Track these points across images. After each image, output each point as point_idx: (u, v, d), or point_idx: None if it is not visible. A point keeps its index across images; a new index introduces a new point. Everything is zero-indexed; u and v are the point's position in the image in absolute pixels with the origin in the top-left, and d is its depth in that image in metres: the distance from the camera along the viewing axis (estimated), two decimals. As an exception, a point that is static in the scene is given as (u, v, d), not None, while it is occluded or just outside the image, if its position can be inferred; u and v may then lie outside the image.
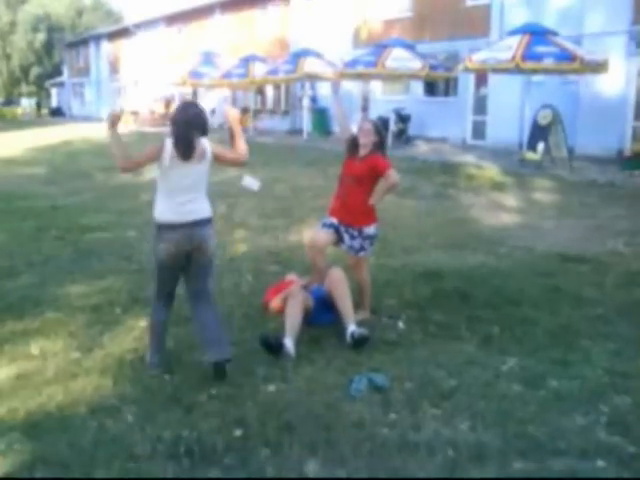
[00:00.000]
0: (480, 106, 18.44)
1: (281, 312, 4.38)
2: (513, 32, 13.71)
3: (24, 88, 56.58)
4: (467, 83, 18.59)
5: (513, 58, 12.63)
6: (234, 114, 3.99)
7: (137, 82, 37.89)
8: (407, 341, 4.29)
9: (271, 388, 3.54)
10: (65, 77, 49.89)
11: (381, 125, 4.80)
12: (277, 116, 26.86)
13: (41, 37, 53.24)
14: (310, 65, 19.29)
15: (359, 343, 4.08)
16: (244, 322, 4.56)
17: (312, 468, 2.80)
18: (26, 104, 52.40)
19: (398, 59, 16.21)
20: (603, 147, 14.55)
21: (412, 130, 19.28)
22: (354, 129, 4.70)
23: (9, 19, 53.43)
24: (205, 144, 3.65)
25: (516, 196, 10.50)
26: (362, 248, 4.58)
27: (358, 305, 4.58)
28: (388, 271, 5.84)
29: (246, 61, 22.15)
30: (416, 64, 16.21)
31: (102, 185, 11.60)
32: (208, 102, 27.80)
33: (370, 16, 21.80)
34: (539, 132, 13.33)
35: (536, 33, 13.16)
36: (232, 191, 9.18)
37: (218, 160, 3.75)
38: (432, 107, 19.92)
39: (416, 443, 2.97)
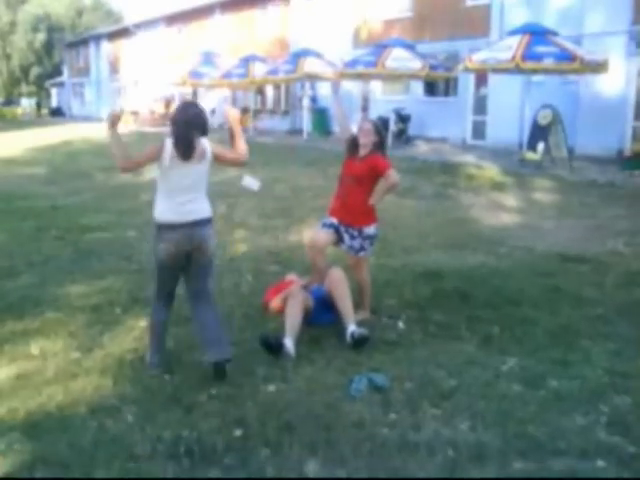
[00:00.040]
0: (480, 106, 18.44)
1: (281, 312, 4.38)
2: (513, 32, 13.71)
3: (24, 88, 56.59)
4: (467, 83, 18.59)
5: (513, 58, 12.63)
6: (234, 114, 3.99)
7: (137, 82, 37.90)
8: (407, 341, 4.29)
9: (271, 388, 3.54)
10: (65, 77, 49.90)
11: (381, 125, 4.80)
12: (277, 116, 26.86)
13: (41, 37, 53.26)
14: (310, 65, 19.29)
15: (359, 343, 4.08)
16: (244, 322, 4.56)
17: (312, 468, 2.80)
18: (26, 104, 52.41)
19: (398, 59, 16.21)
20: (603, 147, 14.55)
21: (412, 130, 19.28)
22: (354, 129, 4.71)
23: (9, 19, 53.44)
24: (205, 144, 3.65)
25: (516, 196, 10.50)
26: (362, 248, 4.58)
27: (358, 305, 4.58)
28: (388, 271, 5.84)
29: (246, 61, 22.15)
30: (416, 64, 16.21)
31: (102, 185, 11.60)
32: (208, 102, 27.79)
33: (370, 16, 21.81)
34: (539, 132, 13.33)
35: (536, 33, 13.16)
36: (232, 191, 9.18)
37: (218, 160, 3.75)
38: (432, 107, 19.92)
39: (416, 443, 2.97)
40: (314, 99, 23.69)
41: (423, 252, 6.76)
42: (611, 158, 13.97)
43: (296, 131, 23.79)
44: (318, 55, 20.01)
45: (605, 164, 13.41)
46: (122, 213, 8.72)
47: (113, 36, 41.58)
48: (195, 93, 28.68)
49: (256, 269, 5.96)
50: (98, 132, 21.51)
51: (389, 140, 13.64)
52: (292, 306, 4.23)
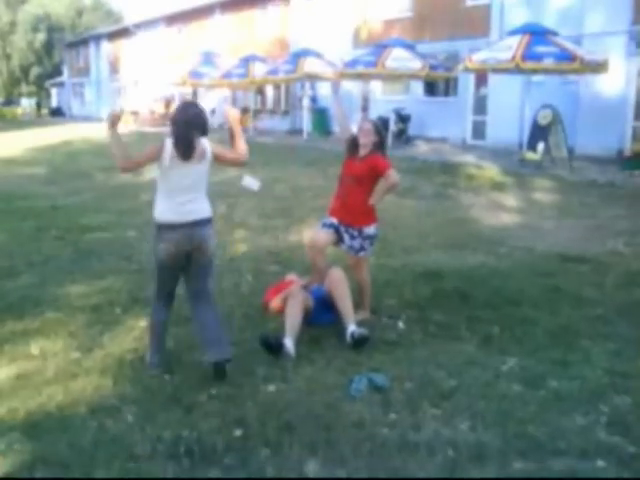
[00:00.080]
0: (480, 106, 18.45)
1: (281, 312, 4.38)
2: (513, 32, 13.71)
3: (24, 88, 56.59)
4: (467, 83, 18.60)
5: (513, 58, 12.63)
6: (234, 114, 3.99)
7: (137, 82, 37.90)
8: (407, 341, 4.29)
9: (271, 388, 3.54)
10: (65, 77, 49.90)
11: (381, 125, 4.80)
12: (277, 116, 26.86)
13: (41, 37, 53.25)
14: (310, 65, 19.29)
15: (359, 343, 4.08)
16: (244, 322, 4.56)
17: (312, 468, 2.81)
18: (26, 104, 52.40)
19: (398, 59, 16.21)
20: (603, 147, 14.55)
21: (412, 130, 19.28)
22: (354, 129, 4.71)
23: (9, 19, 53.44)
24: (205, 144, 3.65)
25: (516, 196, 10.50)
26: (362, 248, 4.58)
27: (358, 305, 4.58)
28: (388, 271, 5.84)
29: (246, 61, 22.15)
30: (416, 64, 16.21)
31: (102, 185, 11.60)
32: (208, 102, 27.80)
33: (370, 16, 21.81)
34: (539, 132, 13.33)
35: (536, 33, 13.16)
36: (232, 191, 9.18)
37: (218, 160, 3.75)
38: (432, 107, 19.93)
39: (416, 443, 2.97)
40: (314, 99, 23.69)
41: (423, 252, 6.76)
42: (611, 158, 13.97)
43: (296, 131, 23.79)
44: (318, 55, 20.01)
45: (605, 164, 13.41)
46: (122, 213, 8.72)
47: (113, 36, 41.59)
48: (195, 93, 28.68)
49: (256, 269, 5.96)
50: (98, 132, 21.50)
51: (389, 140, 13.64)
52: (292, 306, 4.23)
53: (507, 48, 13.03)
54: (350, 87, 20.68)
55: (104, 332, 4.35)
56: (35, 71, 54.85)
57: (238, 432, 3.07)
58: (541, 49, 12.62)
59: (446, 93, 20.18)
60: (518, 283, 5.57)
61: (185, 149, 3.54)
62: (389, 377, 3.64)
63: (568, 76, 14.89)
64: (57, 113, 48.15)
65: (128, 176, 9.48)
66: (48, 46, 53.62)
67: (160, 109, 31.46)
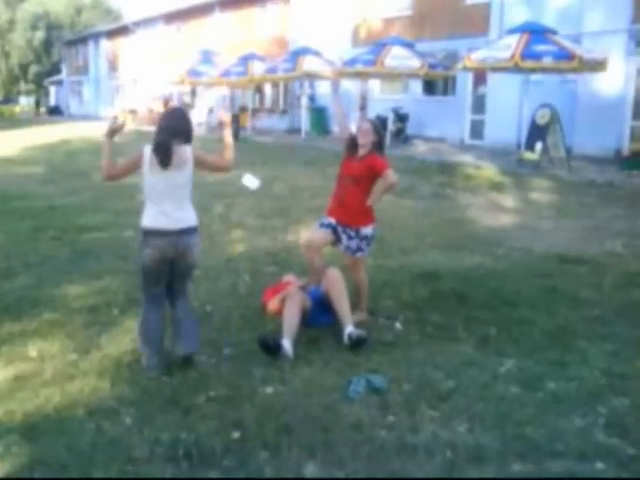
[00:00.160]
0: (478, 105, 18.44)
1: (279, 313, 4.37)
2: (512, 31, 13.70)
3: (23, 86, 56.48)
4: (465, 82, 18.59)
5: (512, 57, 12.62)
6: (226, 120, 3.95)
7: (136, 80, 37.84)
8: (405, 342, 4.29)
9: (269, 390, 3.53)
10: (64, 75, 49.81)
11: (380, 125, 4.79)
12: (275, 115, 26.84)
13: (40, 35, 53.11)
14: (309, 64, 19.27)
15: (357, 344, 4.08)
16: (241, 323, 4.55)
17: (310, 470, 2.81)
18: (25, 102, 52.29)
19: (397, 57, 16.19)
20: (601, 147, 14.55)
21: (410, 129, 19.27)
22: (353, 128, 4.70)
23: (8, 17, 53.28)
24: (187, 152, 3.66)
25: (514, 196, 10.50)
26: (359, 249, 4.58)
27: (355, 306, 4.57)
28: (386, 272, 5.84)
29: (245, 59, 22.13)
30: (415, 63, 16.19)
31: (100, 185, 11.47)
32: (206, 101, 27.79)
33: (370, 14, 21.79)
34: (537, 132, 13.33)
35: (535, 32, 13.15)
36: (230, 191, 9.18)
37: (198, 167, 3.76)
38: (430, 106, 19.91)
39: (414, 445, 2.97)
40: (312, 98, 23.67)
41: (420, 253, 6.76)
42: (609, 158, 13.97)
43: (294, 130, 23.77)
44: (317, 54, 20.00)
45: (603, 164, 13.41)
46: (119, 213, 8.70)
47: (112, 34, 41.52)
48: (194, 92, 28.65)
49: (253, 270, 5.95)
50: (96, 131, 21.43)
51: (387, 139, 13.63)
52: (290, 307, 4.23)
53: (506, 47, 13.03)
54: (348, 86, 20.66)
55: (101, 333, 4.34)
56: (34, 69, 54.71)
57: (236, 434, 3.06)
58: (540, 48, 12.61)
59: (444, 92, 20.17)
60: (515, 284, 5.58)
61: (163, 156, 3.58)
62: (387, 378, 3.64)
63: (567, 75, 14.88)
64: (55, 112, 48.06)
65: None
66: (47, 44, 53.49)
67: (159, 107, 31.38)
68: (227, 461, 2.86)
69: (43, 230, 7.57)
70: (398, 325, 4.59)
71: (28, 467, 2.81)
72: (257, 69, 21.37)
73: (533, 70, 13.42)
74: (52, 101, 52.94)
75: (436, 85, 20.22)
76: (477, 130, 18.56)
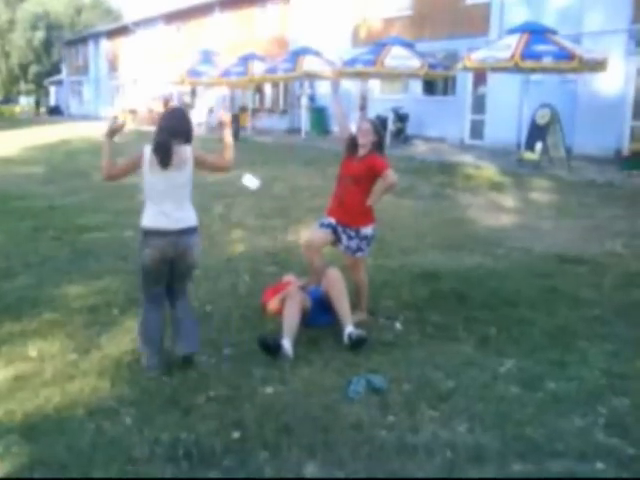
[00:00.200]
0: (478, 105, 18.44)
1: (279, 313, 4.37)
2: (512, 31, 13.70)
3: (23, 86, 56.48)
4: (465, 82, 18.59)
5: (512, 57, 12.62)
6: (226, 120, 3.95)
7: (136, 80, 37.84)
8: (405, 342, 4.29)
9: (269, 390, 3.53)
10: (64, 75, 49.80)
11: (379, 125, 4.79)
12: (275, 115, 26.84)
13: (40, 35, 53.10)
14: (309, 63, 19.27)
15: (357, 344, 4.08)
16: (242, 323, 4.55)
17: (310, 470, 2.81)
18: (25, 102, 52.29)
19: (397, 57, 16.19)
20: (601, 147, 14.55)
21: (410, 129, 19.27)
22: (353, 128, 4.70)
23: (8, 17, 53.27)
24: (187, 152, 3.67)
25: (514, 196, 10.50)
26: (359, 249, 4.58)
27: (355, 306, 4.57)
28: (386, 272, 5.84)
29: (245, 59, 22.13)
30: (415, 63, 16.19)
31: (100, 185, 11.46)
32: (206, 101, 27.79)
33: (369, 14, 21.79)
34: (537, 132, 13.33)
35: (535, 32, 13.15)
36: (230, 191, 9.18)
37: (198, 166, 3.77)
38: (430, 106, 19.91)
39: (414, 445, 2.97)
40: (312, 98, 23.67)
41: (420, 253, 6.76)
42: (609, 158, 13.97)
43: (294, 130, 23.77)
44: (317, 53, 20.00)
45: (603, 164, 13.41)
46: (119, 213, 8.70)
47: (112, 34, 41.51)
48: (194, 92, 28.64)
49: (254, 270, 5.95)
50: (96, 131, 21.44)
51: (387, 139, 13.63)
52: (290, 307, 4.23)
53: (506, 47, 13.03)
54: (348, 86, 20.66)
55: (101, 333, 4.34)
56: (34, 69, 54.71)
57: (236, 434, 3.06)
58: (540, 48, 12.61)
59: (444, 92, 20.16)
60: (515, 284, 5.58)
61: (163, 156, 3.58)
62: (387, 378, 3.64)
63: (566, 75, 14.88)
64: (55, 112, 48.05)
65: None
66: (47, 44, 53.49)
67: (159, 108, 31.38)
68: (227, 461, 2.86)
69: (43, 230, 7.57)
70: (398, 325, 4.59)
71: (28, 467, 2.81)
72: (257, 69, 21.38)
73: (533, 70, 13.41)
74: (52, 101, 52.92)
75: (436, 85, 20.22)
76: (477, 130, 18.55)
